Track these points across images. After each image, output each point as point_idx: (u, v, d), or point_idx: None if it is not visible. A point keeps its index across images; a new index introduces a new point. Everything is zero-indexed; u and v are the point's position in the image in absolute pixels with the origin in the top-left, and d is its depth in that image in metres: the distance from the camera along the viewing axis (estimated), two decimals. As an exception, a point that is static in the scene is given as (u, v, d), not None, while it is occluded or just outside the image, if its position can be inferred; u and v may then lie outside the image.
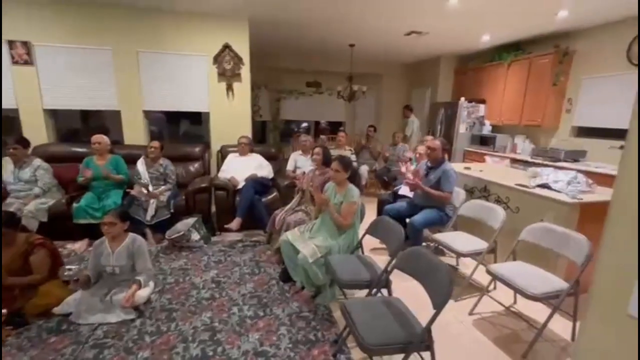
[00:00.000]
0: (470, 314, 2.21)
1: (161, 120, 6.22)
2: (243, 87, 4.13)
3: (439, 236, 2.58)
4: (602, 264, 0.69)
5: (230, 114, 4.13)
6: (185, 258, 2.88)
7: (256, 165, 3.77)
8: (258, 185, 3.54)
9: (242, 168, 3.68)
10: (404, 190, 3.42)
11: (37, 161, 3.09)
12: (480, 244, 2.41)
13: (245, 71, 4.07)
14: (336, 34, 4.65)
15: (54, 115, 3.87)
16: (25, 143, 3.04)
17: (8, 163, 3.01)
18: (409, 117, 6.07)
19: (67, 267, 1.91)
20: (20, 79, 3.53)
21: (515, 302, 2.31)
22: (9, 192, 2.98)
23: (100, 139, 3.18)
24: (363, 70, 6.51)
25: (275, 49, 5.82)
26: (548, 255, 2.12)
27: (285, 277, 2.50)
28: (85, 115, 5.77)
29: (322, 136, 6.42)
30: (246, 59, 4.04)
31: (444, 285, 1.35)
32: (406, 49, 5.46)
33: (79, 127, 5.78)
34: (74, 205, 3.01)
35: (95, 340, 1.84)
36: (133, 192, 3.12)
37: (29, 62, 3.52)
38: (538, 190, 2.50)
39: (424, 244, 3.01)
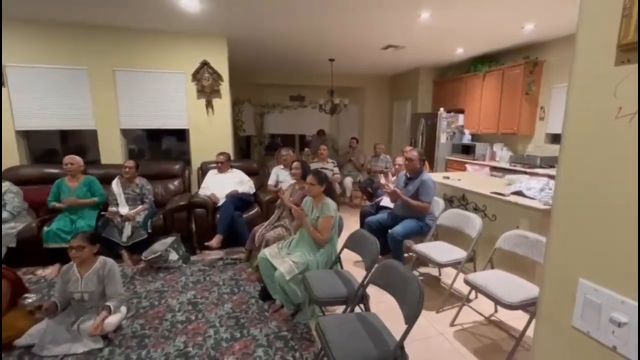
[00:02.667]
0: (452, 325, 2.18)
1: (142, 138, 6.13)
2: (223, 103, 4.12)
3: (419, 247, 2.57)
4: (547, 273, 0.69)
5: (210, 130, 4.11)
6: (163, 280, 2.79)
7: (237, 182, 3.73)
8: (239, 202, 3.49)
9: (223, 185, 3.64)
10: (385, 201, 3.43)
11: (6, 184, 2.98)
12: (460, 253, 2.41)
13: (224, 88, 4.08)
14: (315, 49, 4.73)
15: (26, 136, 3.78)
16: (-8, 166, 2.94)
17: (-27, 188, 2.90)
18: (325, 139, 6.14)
19: (26, 295, 1.81)
20: (-9, 100, 3.44)
21: (496, 311, 2.30)
22: (-25, 217, 2.85)
23: (73, 160, 3.10)
24: (345, 83, 6.62)
25: (258, 65, 5.88)
26: (524, 263, 2.14)
27: (265, 295, 2.43)
28: (65, 135, 5.65)
29: (306, 149, 6.44)
30: (225, 75, 4.05)
31: (414, 300, 1.33)
32: (385, 62, 5.59)
33: (57, 147, 5.63)
34: (45, 229, 2.91)
35: (59, 373, 1.74)
36: (107, 214, 3.03)
37: (0, 84, 3.44)
38: (513, 198, 2.54)
39: (405, 254, 3.01)
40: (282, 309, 2.30)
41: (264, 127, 7.17)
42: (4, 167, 3.44)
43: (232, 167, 3.87)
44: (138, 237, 3.07)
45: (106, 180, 3.33)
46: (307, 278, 2.00)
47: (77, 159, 3.14)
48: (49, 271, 2.88)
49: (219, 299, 2.47)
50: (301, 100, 7.22)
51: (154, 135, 6.41)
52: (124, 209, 3.18)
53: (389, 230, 2.81)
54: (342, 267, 2.27)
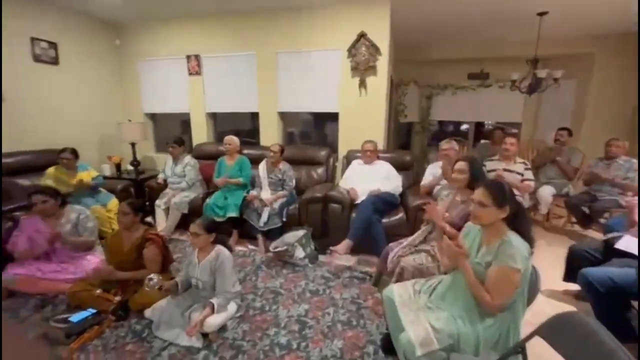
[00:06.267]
0: None
1: (306, 121, 6.38)
2: (378, 82, 3.48)
3: None
4: None
5: (361, 113, 3.58)
6: (284, 277, 2.54)
7: (382, 176, 3.08)
8: (380, 203, 2.84)
9: (366, 178, 3.08)
10: (626, 242, 1.94)
11: (187, 158, 3.48)
12: None
13: (382, 63, 3.41)
14: (517, 1, 3.29)
15: (213, 117, 4.41)
16: (180, 142, 3.47)
17: (168, 159, 3.52)
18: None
19: (150, 276, 1.85)
20: (192, 87, 4.15)
21: None
22: (168, 184, 3.47)
23: (231, 141, 3.29)
24: (557, 50, 4.60)
25: (429, 36, 4.85)
26: None
27: (388, 347, 1.72)
28: (254, 116, 6.54)
29: (482, 141, 4.98)
30: (384, 48, 3.37)
31: None
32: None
33: (246, 127, 6.54)
34: (207, 201, 3.22)
35: (158, 363, 1.68)
36: (248, 196, 3.07)
37: (198, 73, 4.08)
38: None
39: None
40: (408, 382, 1.53)
41: (431, 112, 6.09)
42: (196, 143, 4.14)
43: (379, 157, 3.24)
44: (272, 225, 2.96)
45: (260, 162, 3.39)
46: (452, 369, 1.14)
47: (235, 140, 3.31)
48: (204, 240, 3.19)
49: (331, 328, 1.94)
50: (484, 78, 5.64)
51: (318, 120, 6.57)
52: (265, 193, 3.15)
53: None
54: (526, 365, 1.25)
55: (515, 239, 1.28)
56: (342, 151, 3.71)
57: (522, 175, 3.07)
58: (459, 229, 1.70)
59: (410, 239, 2.07)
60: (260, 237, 3.02)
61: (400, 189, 3.05)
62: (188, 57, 4.06)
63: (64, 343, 1.78)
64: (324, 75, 3.63)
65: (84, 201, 2.90)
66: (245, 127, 6.37)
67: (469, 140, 6.13)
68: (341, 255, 2.67)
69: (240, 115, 5.91)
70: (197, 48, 3.99)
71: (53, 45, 3.51)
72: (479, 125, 6.34)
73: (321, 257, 2.86)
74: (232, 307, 1.98)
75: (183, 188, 3.36)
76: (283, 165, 3.21)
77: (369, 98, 3.53)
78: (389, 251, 2.10)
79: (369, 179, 3.07)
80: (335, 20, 3.45)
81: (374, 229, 2.69)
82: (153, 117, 4.61)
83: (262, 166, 3.25)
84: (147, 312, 1.97)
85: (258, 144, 4.08)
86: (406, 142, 6.49)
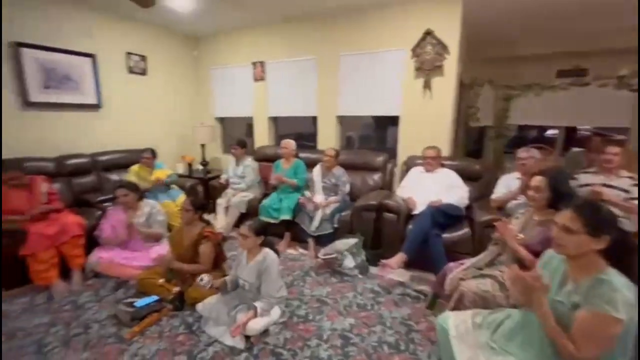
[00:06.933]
0: None
1: (367, 125, 6.22)
2: (445, 83, 3.19)
3: None
4: None
5: (424, 117, 3.32)
6: (332, 286, 2.45)
7: (445, 186, 2.80)
8: (441, 215, 2.58)
9: (426, 187, 2.84)
10: None
11: (248, 160, 3.63)
12: None
13: (450, 62, 3.12)
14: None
15: (275, 121, 4.55)
16: (242, 144, 3.65)
17: (231, 160, 3.72)
18: None
19: (202, 276, 1.93)
20: (257, 92, 4.34)
21: None
22: (230, 184, 3.67)
23: (287, 144, 3.33)
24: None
25: (507, 32, 4.33)
26: None
27: (440, 382, 1.51)
28: (315, 120, 6.61)
29: (574, 149, 4.24)
30: (453, 46, 3.07)
31: None
32: None
33: (310, 131, 6.60)
34: (262, 202, 3.31)
35: (202, 358, 1.73)
36: (301, 199, 3.05)
37: (263, 79, 4.26)
38: None
39: None
40: None
41: (509, 115, 5.41)
42: (257, 145, 4.32)
43: (443, 165, 2.96)
44: (323, 230, 2.91)
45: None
46: None
47: (291, 143, 3.35)
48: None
49: (376, 348, 1.79)
50: (579, 75, 4.80)
51: (379, 123, 6.34)
52: (319, 197, 3.11)
53: None
54: None
55: (617, 279, 0.99)
56: (401, 157, 3.49)
57: (628, 192, 2.49)
58: (537, 254, 1.42)
59: (474, 259, 1.81)
60: (310, 242, 2.99)
61: (466, 201, 2.73)
62: (254, 63, 4.26)
63: (128, 325, 1.96)
64: (385, 76, 3.46)
65: (158, 196, 3.22)
66: (307, 130, 6.46)
67: (557, 148, 5.29)
68: (393, 270, 2.47)
69: (303, 119, 6.00)
70: (262, 55, 4.17)
71: (143, 58, 4.01)
72: (570, 131, 5.43)
73: (372, 269, 2.70)
74: (275, 312, 1.96)
75: (243, 189, 3.51)
76: (337, 170, 3.14)
77: (434, 100, 3.26)
78: (447, 271, 1.86)
79: (429, 188, 2.82)
80: (399, 18, 3.26)
81: (432, 243, 2.44)
82: (222, 120, 4.95)
83: (317, 170, 3.22)
84: (199, 307, 2.06)
85: (315, 147, 4.09)
86: (477, 149, 5.87)
